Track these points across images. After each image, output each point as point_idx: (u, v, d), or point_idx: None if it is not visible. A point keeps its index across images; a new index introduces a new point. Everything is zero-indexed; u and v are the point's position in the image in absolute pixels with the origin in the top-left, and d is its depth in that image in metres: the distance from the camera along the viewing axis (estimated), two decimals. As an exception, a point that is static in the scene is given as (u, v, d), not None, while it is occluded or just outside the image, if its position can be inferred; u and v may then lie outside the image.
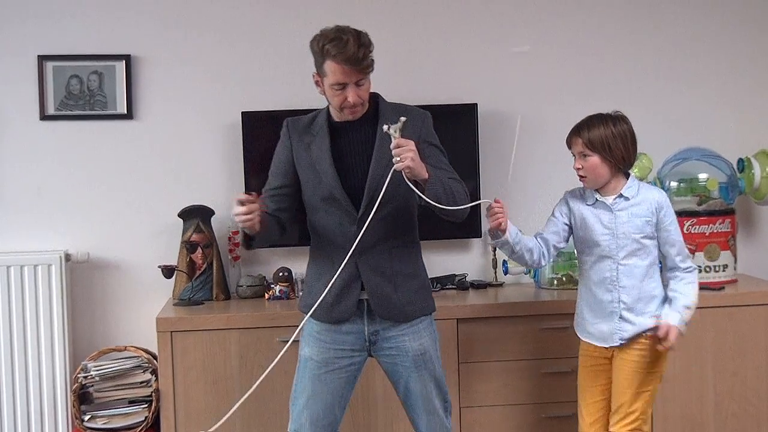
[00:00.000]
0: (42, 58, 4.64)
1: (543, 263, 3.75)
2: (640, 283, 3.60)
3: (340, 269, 3.32)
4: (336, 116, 3.44)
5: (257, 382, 3.45)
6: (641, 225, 3.61)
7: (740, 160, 4.75)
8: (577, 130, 3.66)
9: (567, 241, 3.76)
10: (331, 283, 3.34)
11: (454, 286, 4.73)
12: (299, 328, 3.41)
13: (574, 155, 3.69)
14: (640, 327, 3.60)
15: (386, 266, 3.41)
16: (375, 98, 3.46)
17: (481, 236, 4.82)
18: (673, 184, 4.66)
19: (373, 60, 3.31)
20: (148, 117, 4.74)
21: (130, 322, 4.69)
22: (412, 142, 3.19)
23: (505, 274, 4.76)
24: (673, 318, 3.55)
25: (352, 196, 3.36)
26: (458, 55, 4.87)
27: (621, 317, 3.61)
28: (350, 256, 3.34)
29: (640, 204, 3.63)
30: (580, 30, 4.93)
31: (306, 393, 3.44)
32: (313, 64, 3.37)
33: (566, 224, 3.74)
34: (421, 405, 3.48)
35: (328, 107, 3.48)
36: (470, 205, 3.41)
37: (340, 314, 3.40)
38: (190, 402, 4.19)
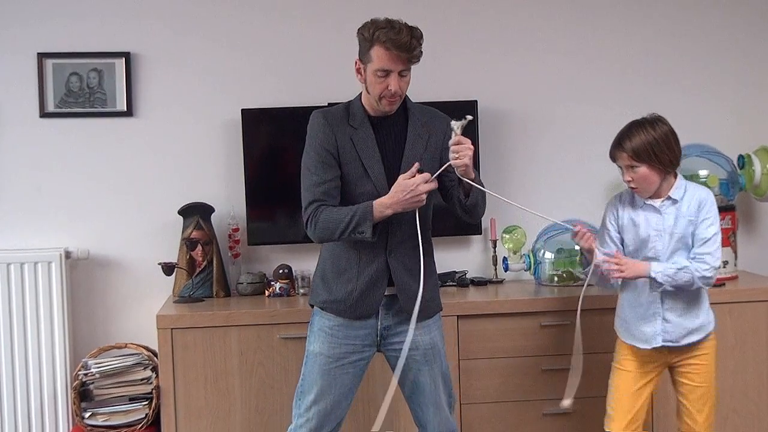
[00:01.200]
0: (42, 56, 4.65)
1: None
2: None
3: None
4: (371, 110, 3.43)
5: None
6: (686, 225, 3.62)
7: (740, 157, 4.75)
8: (619, 143, 3.62)
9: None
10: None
11: (454, 283, 4.73)
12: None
13: (620, 167, 3.67)
14: (681, 327, 3.63)
15: (412, 263, 3.42)
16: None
17: (481, 233, 4.82)
18: (674, 180, 4.66)
19: (421, 52, 3.32)
20: (147, 114, 4.74)
21: (131, 320, 4.69)
22: (470, 141, 3.22)
23: (506, 271, 4.76)
24: (654, 266, 3.58)
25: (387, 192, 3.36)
26: (458, 51, 4.87)
27: (664, 318, 3.63)
28: (380, 254, 3.39)
29: (687, 205, 3.63)
30: (579, 27, 4.93)
31: (316, 388, 3.44)
32: (358, 51, 3.37)
33: (618, 231, 3.75)
34: (428, 399, 3.49)
35: (358, 100, 3.46)
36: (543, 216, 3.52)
37: (365, 310, 3.41)
38: (191, 399, 4.19)
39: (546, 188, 4.87)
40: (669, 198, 3.64)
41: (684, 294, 3.63)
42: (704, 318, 3.70)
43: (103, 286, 4.72)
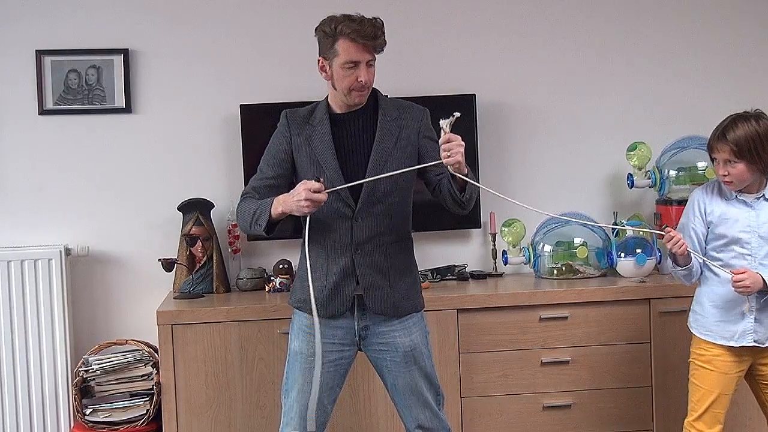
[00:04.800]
0: (40, 53, 4.65)
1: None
2: None
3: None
4: (336, 107, 3.45)
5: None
6: None
7: (739, 149, 4.75)
8: (723, 135, 3.55)
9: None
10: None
11: (454, 277, 4.74)
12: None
13: (714, 159, 3.60)
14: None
15: (382, 261, 3.40)
16: (373, 93, 3.47)
17: (480, 227, 4.82)
18: (672, 172, 4.66)
19: (385, 41, 3.34)
20: (146, 111, 4.75)
21: (131, 316, 4.70)
22: (460, 138, 3.17)
23: (505, 264, 4.77)
24: (765, 273, 3.50)
25: (352, 190, 3.35)
26: (457, 45, 4.87)
27: (756, 319, 3.57)
28: (346, 251, 3.37)
29: None
30: (578, 20, 4.92)
31: (296, 386, 3.43)
32: (318, 50, 3.39)
33: (705, 226, 3.65)
34: (410, 399, 3.45)
35: (326, 100, 3.48)
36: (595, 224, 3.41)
37: (334, 309, 3.39)
38: (192, 394, 4.20)
39: (545, 182, 4.87)
40: (763, 197, 3.59)
41: None
42: None
43: (103, 282, 4.73)
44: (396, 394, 3.49)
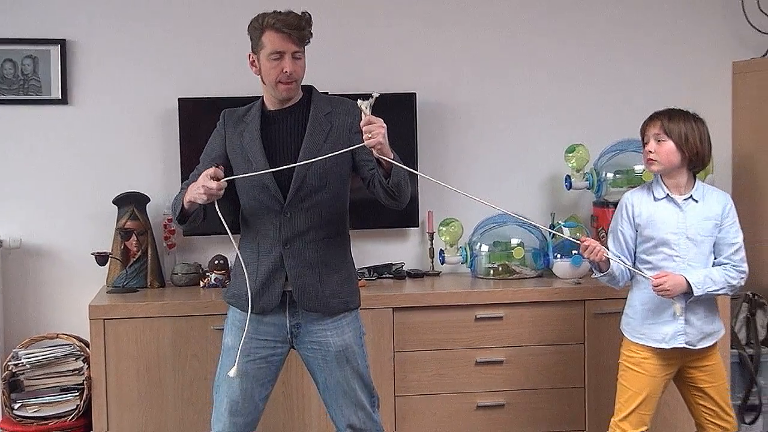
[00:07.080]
0: (-25, 41, 4.59)
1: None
2: None
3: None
4: (270, 104, 3.44)
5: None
6: (711, 228, 3.60)
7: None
8: (657, 115, 3.61)
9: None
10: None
11: (390, 275, 4.74)
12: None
13: (646, 140, 3.63)
14: (700, 331, 3.61)
15: (312, 257, 3.38)
16: (308, 90, 3.47)
17: (418, 225, 4.83)
18: (609, 175, 4.69)
19: (311, 34, 3.35)
20: (83, 102, 4.69)
21: (63, 310, 4.64)
22: (381, 120, 3.15)
23: (442, 264, 4.77)
24: (690, 275, 3.54)
25: (281, 184, 3.34)
26: (397, 44, 4.87)
27: (686, 320, 3.59)
28: (275, 246, 3.36)
29: (710, 206, 3.61)
30: (518, 20, 4.95)
31: (227, 382, 3.40)
32: (250, 46, 3.39)
33: (633, 228, 3.68)
34: (342, 399, 3.43)
35: (262, 98, 3.47)
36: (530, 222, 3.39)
37: (263, 305, 3.37)
38: (122, 390, 4.16)
39: (483, 181, 4.87)
40: (691, 197, 3.61)
41: (705, 299, 3.61)
42: (718, 324, 3.70)
43: (35, 275, 4.67)
44: (327, 394, 3.47)
